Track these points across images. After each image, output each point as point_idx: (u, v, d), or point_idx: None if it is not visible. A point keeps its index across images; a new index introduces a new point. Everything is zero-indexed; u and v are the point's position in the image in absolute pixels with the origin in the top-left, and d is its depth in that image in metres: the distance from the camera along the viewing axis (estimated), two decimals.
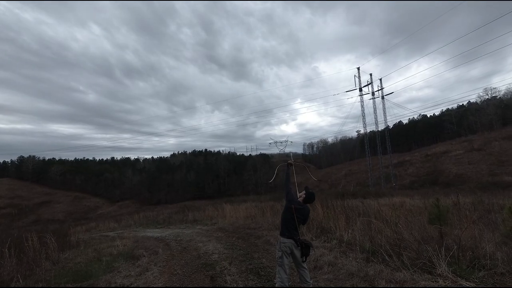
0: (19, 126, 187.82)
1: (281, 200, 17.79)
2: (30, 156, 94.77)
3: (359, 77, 38.12)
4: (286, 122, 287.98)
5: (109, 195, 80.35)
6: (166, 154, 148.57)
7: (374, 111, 38.94)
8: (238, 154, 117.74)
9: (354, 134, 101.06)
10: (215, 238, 8.32)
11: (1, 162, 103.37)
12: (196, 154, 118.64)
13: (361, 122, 40.10)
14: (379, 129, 41.04)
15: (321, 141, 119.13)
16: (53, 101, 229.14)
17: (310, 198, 3.68)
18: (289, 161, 4.40)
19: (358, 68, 38.18)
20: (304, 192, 3.74)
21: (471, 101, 79.44)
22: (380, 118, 43.59)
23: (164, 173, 79.28)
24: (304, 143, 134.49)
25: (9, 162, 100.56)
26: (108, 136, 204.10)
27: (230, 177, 75.04)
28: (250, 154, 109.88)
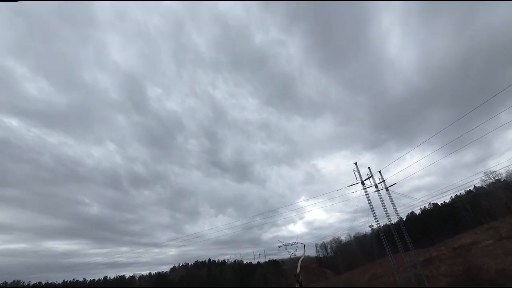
0: (12, 246, 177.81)
1: None
2: (14, 281, 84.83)
3: (358, 171, 39.43)
4: (293, 221, 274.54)
5: None
6: (166, 269, 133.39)
7: (382, 203, 38.02)
8: (245, 262, 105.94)
9: (368, 229, 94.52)
10: None
11: None
12: (198, 265, 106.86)
13: (372, 216, 38.44)
14: (393, 222, 38.81)
15: (334, 240, 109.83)
16: (56, 216, 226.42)
17: None
18: (294, 273, 3.91)
19: (356, 163, 40.02)
20: None
21: (477, 185, 78.73)
22: (390, 210, 42.04)
23: None
24: (316, 244, 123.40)
25: None
26: (104, 251, 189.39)
27: None
28: (258, 262, 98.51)
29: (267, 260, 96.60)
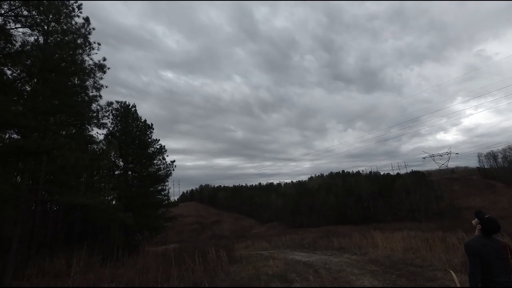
0: (197, 163, 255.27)
1: (453, 230, 13.53)
2: (206, 185, 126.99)
3: None
4: (443, 129, 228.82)
5: (259, 217, 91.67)
6: (304, 178, 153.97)
7: None
8: (381, 173, 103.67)
9: None
10: (369, 272, 7.25)
11: (190, 190, 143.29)
12: (333, 176, 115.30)
13: None
14: None
15: (510, 148, 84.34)
16: (215, 141, 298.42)
17: (491, 227, 2.50)
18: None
19: None
20: (476, 220, 2.60)
21: None
22: None
23: (304, 196, 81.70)
24: (479, 153, 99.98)
25: (194, 190, 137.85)
26: (254, 165, 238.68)
27: (375, 201, 66.45)
28: (398, 173, 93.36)
29: (408, 172, 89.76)
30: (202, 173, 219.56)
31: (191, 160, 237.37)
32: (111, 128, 18.69)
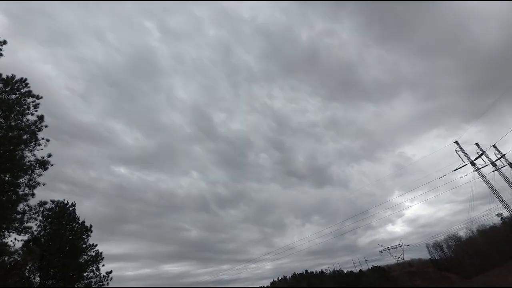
0: (141, 272, 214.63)
1: None
2: None
3: (462, 150, 32.42)
4: (391, 221, 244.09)
5: None
6: (266, 283, 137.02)
7: (509, 184, 29.93)
8: (345, 271, 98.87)
9: (496, 220, 75.44)
10: None
11: None
12: (297, 278, 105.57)
13: (497, 202, 30.52)
14: None
15: (450, 237, 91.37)
16: (166, 242, 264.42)
17: None
18: None
19: (457, 142, 33.07)
20: None
21: None
22: None
23: None
24: (426, 244, 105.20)
25: None
26: (209, 270, 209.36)
27: None
28: (360, 270, 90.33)
29: (370, 268, 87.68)
30: (145, 284, 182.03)
31: (133, 269, 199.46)
32: (36, 233, 15.60)
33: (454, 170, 33.76)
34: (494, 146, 31.82)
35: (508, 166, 30.80)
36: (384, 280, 57.34)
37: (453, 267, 76.72)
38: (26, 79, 11.60)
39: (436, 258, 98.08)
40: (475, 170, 31.80)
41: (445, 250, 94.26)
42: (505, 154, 31.29)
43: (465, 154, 32.14)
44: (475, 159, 31.87)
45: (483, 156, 31.55)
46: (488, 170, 31.33)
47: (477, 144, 32.27)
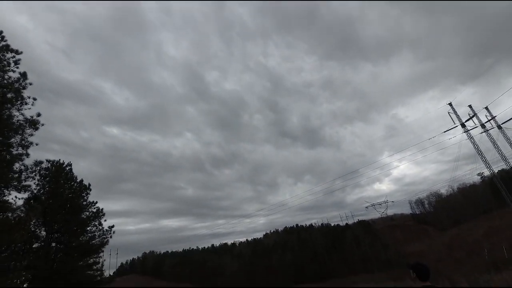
0: (141, 226, 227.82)
1: (403, 281, 14.07)
2: (150, 251, 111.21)
3: (454, 112, 32.74)
4: (378, 180, 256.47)
5: (213, 284, 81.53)
6: (259, 235, 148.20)
7: (494, 145, 31.06)
8: (332, 224, 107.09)
9: (476, 179, 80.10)
10: None
11: (130, 259, 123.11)
12: (288, 231, 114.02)
13: (480, 163, 32.02)
14: None
15: (432, 194, 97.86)
16: (163, 200, 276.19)
17: (423, 273, 2.70)
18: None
19: (450, 104, 33.21)
20: (411, 271, 2.78)
21: None
22: (507, 152, 33.99)
23: (260, 256, 77.33)
24: (409, 200, 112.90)
25: (136, 259, 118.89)
26: (206, 224, 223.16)
27: (330, 255, 66.55)
28: (346, 223, 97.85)
29: (355, 222, 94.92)
30: (146, 238, 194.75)
31: (133, 224, 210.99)
32: (35, 191, 15.95)
33: (444, 132, 34.60)
34: (486, 108, 32.18)
35: (496, 128, 31.61)
36: (368, 233, 62.63)
37: (431, 220, 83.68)
38: (2, 32, 10.66)
39: (417, 213, 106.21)
40: (464, 132, 32.60)
41: (426, 206, 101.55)
42: (495, 116, 31.84)
43: (457, 116, 32.58)
44: (466, 121, 32.42)
45: (474, 118, 32.11)
46: (477, 131, 32.17)
47: (470, 106, 32.54)
